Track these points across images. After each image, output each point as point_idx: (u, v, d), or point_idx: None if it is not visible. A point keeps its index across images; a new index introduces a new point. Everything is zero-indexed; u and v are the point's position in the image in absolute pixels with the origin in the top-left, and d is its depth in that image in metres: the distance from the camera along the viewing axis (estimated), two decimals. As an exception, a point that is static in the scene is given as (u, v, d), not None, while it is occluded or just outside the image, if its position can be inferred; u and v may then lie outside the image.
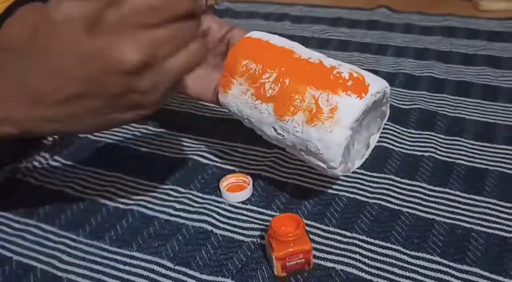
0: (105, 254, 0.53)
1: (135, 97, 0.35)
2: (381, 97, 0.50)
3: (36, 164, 0.67)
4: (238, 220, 0.56)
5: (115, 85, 0.33)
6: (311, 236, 0.50)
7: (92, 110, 0.35)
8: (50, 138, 0.72)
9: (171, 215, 0.57)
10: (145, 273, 0.50)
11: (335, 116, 0.47)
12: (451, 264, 0.49)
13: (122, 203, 0.60)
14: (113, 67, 0.32)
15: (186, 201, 0.59)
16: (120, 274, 0.50)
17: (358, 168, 0.61)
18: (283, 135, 0.50)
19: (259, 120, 0.52)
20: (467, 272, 0.48)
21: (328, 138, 0.47)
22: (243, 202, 0.58)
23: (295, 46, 0.52)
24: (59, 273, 0.51)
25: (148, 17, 0.32)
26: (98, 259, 0.52)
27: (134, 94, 0.34)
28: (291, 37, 0.56)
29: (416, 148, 0.65)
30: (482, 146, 0.65)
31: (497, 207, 0.55)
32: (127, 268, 0.51)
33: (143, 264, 0.51)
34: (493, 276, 0.47)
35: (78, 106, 0.35)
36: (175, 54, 0.34)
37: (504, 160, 0.62)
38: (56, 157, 0.68)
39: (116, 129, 0.74)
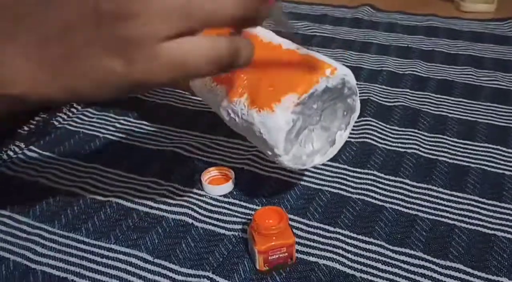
0: (82, 246, 0.51)
1: (119, 28, 0.30)
2: (340, 85, 0.48)
3: (10, 153, 0.65)
4: (219, 213, 0.55)
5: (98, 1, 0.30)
6: (294, 231, 0.50)
7: (82, 46, 0.31)
8: (26, 128, 0.70)
9: (150, 207, 0.56)
10: (123, 266, 0.49)
11: (276, 99, 0.45)
12: (434, 259, 0.48)
13: (100, 195, 0.58)
14: None
15: (166, 193, 0.58)
16: (97, 267, 0.48)
17: (341, 163, 0.61)
18: (235, 119, 0.48)
19: (216, 104, 0.50)
20: (450, 268, 0.47)
21: (268, 121, 0.45)
22: (225, 196, 0.57)
23: (260, 31, 0.51)
24: (33, 265, 0.49)
25: None
26: (74, 251, 0.50)
27: (119, 22, 0.30)
28: (275, 32, 0.55)
29: (399, 144, 0.65)
30: (464, 144, 0.65)
31: (479, 204, 0.55)
32: (104, 260, 0.49)
33: (121, 256, 0.50)
34: (475, 272, 0.47)
35: (66, 42, 0.31)
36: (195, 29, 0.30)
37: (485, 158, 0.62)
38: (32, 147, 0.66)
39: (94, 119, 0.72)
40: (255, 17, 0.33)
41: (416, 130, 0.68)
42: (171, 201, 0.56)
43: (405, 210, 0.54)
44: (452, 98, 0.75)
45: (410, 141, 0.65)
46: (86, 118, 0.72)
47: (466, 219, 0.53)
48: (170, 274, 0.48)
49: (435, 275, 0.47)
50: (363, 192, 0.57)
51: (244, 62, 0.34)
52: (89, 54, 0.31)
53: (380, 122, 0.69)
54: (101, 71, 0.31)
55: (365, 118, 0.69)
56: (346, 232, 0.52)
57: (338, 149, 0.53)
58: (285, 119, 0.45)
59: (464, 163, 0.61)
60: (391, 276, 0.47)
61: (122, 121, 0.72)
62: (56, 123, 0.71)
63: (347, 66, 0.50)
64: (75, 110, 0.74)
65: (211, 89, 0.50)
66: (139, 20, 0.29)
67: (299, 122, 0.46)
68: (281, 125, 0.45)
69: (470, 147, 0.64)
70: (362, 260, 0.49)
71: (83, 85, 0.33)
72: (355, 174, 0.60)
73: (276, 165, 0.61)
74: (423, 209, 0.54)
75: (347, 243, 0.50)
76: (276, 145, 0.46)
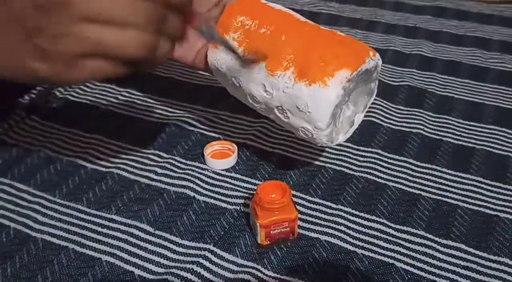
0: (83, 216, 0.51)
1: (44, 41, 0.33)
2: (373, 68, 0.49)
3: (11, 122, 0.64)
4: (221, 187, 0.54)
5: (27, 16, 0.33)
6: (296, 206, 0.49)
7: (9, 41, 0.34)
8: (26, 97, 0.69)
9: (152, 179, 0.55)
10: (124, 236, 0.48)
11: (329, 73, 0.45)
12: (436, 238, 0.48)
13: (101, 166, 0.57)
14: None
15: (168, 166, 0.57)
16: (98, 237, 0.48)
17: (345, 141, 0.61)
18: (271, 94, 0.48)
19: (247, 78, 0.49)
20: (451, 247, 0.47)
21: (319, 94, 0.45)
22: (227, 170, 0.57)
23: (292, 12, 0.51)
24: (34, 233, 0.49)
25: None
26: (75, 221, 0.50)
27: (43, 37, 0.33)
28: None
29: (404, 124, 0.64)
30: (469, 125, 0.64)
31: (483, 185, 0.55)
32: (105, 231, 0.49)
33: (122, 227, 0.49)
34: (477, 252, 0.47)
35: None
36: (105, 23, 0.33)
37: (491, 140, 0.61)
38: (33, 117, 0.65)
39: (97, 91, 0.71)
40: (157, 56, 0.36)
41: (421, 111, 0.67)
42: (173, 174, 0.56)
43: (408, 189, 0.54)
44: (459, 80, 0.74)
45: (415, 121, 0.65)
46: (88, 90, 0.72)
47: (469, 200, 0.53)
48: (171, 246, 0.48)
49: (436, 253, 0.47)
50: (366, 170, 0.57)
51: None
52: (19, 52, 0.34)
53: (385, 101, 0.68)
54: (25, 66, 0.35)
55: (370, 97, 0.69)
56: (349, 209, 0.51)
57: (355, 129, 0.53)
58: (337, 93, 0.45)
59: (469, 144, 0.61)
60: (392, 254, 0.47)
61: (124, 93, 0.71)
62: (57, 93, 0.70)
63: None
64: (77, 81, 0.73)
65: (245, 63, 0.49)
66: (58, 38, 0.33)
67: (341, 99, 0.46)
68: (332, 99, 0.45)
69: (476, 128, 0.64)
70: (363, 237, 0.49)
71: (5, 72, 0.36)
72: (358, 152, 0.59)
73: (278, 141, 0.61)
74: (426, 188, 0.54)
75: (349, 220, 0.50)
76: (322, 118, 0.46)
